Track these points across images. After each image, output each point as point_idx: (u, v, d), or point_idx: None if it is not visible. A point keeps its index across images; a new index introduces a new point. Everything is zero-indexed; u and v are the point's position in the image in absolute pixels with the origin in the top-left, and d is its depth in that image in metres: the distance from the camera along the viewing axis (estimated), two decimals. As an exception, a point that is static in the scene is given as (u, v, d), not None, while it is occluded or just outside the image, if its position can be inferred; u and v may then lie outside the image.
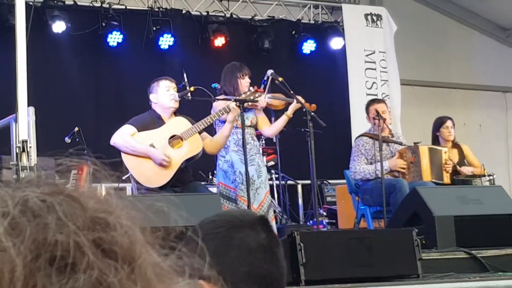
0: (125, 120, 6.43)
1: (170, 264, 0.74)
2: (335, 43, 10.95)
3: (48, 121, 8.08)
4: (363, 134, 7.61)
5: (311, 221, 9.12)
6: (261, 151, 7.02)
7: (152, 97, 6.42)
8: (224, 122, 6.50)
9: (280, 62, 10.08)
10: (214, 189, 7.07)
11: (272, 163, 9.06)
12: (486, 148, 11.20)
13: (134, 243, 0.70)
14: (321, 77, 10.93)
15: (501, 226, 5.99)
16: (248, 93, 6.50)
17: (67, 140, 8.05)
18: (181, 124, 6.35)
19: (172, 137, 6.29)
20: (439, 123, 8.10)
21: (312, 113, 6.69)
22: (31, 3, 8.16)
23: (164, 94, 6.36)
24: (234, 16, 10.68)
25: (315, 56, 10.97)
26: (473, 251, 5.55)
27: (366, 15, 10.77)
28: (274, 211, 8.69)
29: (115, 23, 9.77)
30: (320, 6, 11.31)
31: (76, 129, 8.00)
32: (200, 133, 6.33)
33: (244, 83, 6.67)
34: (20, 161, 5.39)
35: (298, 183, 9.96)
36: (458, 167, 7.76)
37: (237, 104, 6.34)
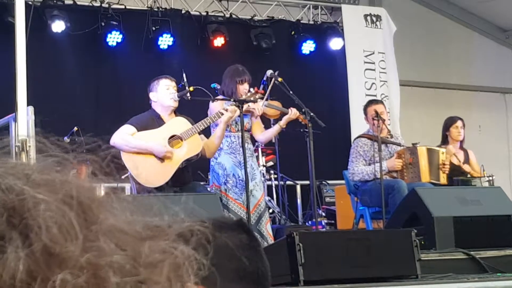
0: (124, 120, 6.43)
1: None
2: (335, 44, 10.95)
3: (48, 121, 8.07)
4: (362, 135, 7.61)
5: (310, 222, 9.11)
6: (255, 155, 6.99)
7: (151, 95, 6.43)
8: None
9: (279, 63, 10.06)
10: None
11: (271, 163, 9.07)
12: (486, 149, 11.20)
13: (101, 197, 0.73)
14: (321, 78, 10.93)
15: (500, 227, 6.00)
16: (248, 94, 6.50)
17: (66, 139, 8.04)
18: (181, 124, 6.35)
19: (172, 137, 6.29)
20: (449, 122, 8.14)
21: (311, 114, 6.69)
22: (30, 3, 8.16)
23: (163, 93, 6.37)
24: (233, 16, 10.68)
25: (314, 57, 10.97)
26: (472, 252, 5.56)
27: (365, 16, 10.77)
28: (273, 211, 8.70)
29: (114, 23, 9.77)
30: (319, 7, 11.31)
31: (75, 128, 7.99)
32: (200, 133, 6.33)
33: (242, 88, 6.66)
34: (20, 160, 5.38)
35: (297, 184, 9.96)
36: (461, 164, 7.80)
37: (237, 105, 6.33)
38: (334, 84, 10.87)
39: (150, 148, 6.20)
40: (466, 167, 7.92)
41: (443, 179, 7.40)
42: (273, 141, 8.85)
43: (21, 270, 0.65)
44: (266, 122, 7.30)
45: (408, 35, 11.60)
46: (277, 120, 7.02)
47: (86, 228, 0.69)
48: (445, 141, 8.10)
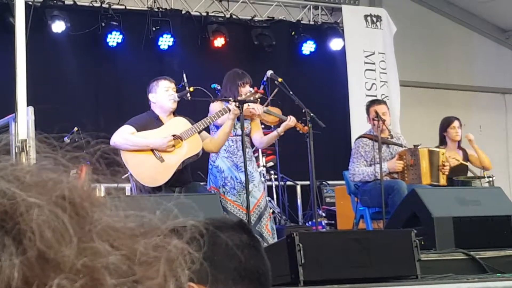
0: (124, 120, 6.44)
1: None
2: (335, 44, 10.96)
3: (47, 121, 8.08)
4: (363, 136, 7.60)
5: (310, 222, 9.12)
6: (253, 158, 6.98)
7: (151, 96, 6.43)
8: (218, 127, 6.53)
9: (279, 63, 10.08)
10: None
11: (271, 163, 9.07)
12: (486, 150, 11.17)
13: (91, 191, 0.73)
14: (321, 78, 10.93)
15: (499, 227, 6.00)
16: (248, 94, 6.50)
17: (66, 140, 8.05)
18: (180, 124, 6.35)
19: (172, 136, 6.29)
20: (446, 123, 8.12)
21: (312, 114, 6.69)
22: (30, 3, 8.18)
23: (163, 94, 6.37)
24: (233, 16, 10.68)
25: (314, 57, 10.98)
26: (471, 252, 5.56)
27: (365, 16, 10.78)
28: (273, 212, 8.70)
29: (114, 23, 9.77)
30: (319, 7, 11.31)
31: (75, 129, 7.99)
32: (199, 133, 6.33)
33: (245, 91, 6.66)
34: (19, 160, 5.39)
35: (297, 184, 9.96)
36: (462, 161, 7.81)
37: (237, 105, 6.33)
38: (334, 84, 10.87)
39: (151, 144, 6.21)
40: (469, 162, 7.96)
41: (442, 180, 7.39)
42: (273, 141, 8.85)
43: (17, 278, 0.64)
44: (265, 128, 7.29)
45: (408, 35, 11.61)
46: (276, 127, 7.02)
47: (80, 229, 0.68)
48: (443, 142, 8.08)
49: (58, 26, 9.46)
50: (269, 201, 8.68)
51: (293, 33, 11.02)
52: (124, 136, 6.22)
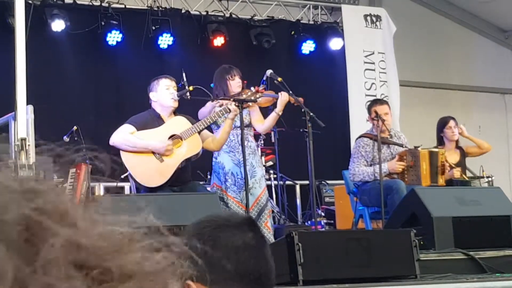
0: (124, 119, 6.43)
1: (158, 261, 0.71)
2: (334, 44, 10.95)
3: (47, 120, 8.08)
4: (364, 135, 7.57)
5: (309, 222, 9.11)
6: (257, 152, 6.97)
7: (151, 95, 6.43)
8: (218, 127, 6.53)
9: (279, 62, 10.08)
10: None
11: (270, 163, 9.07)
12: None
13: (72, 201, 0.68)
14: (320, 78, 10.93)
15: (499, 227, 6.00)
16: (249, 93, 6.49)
17: (66, 139, 8.04)
18: (180, 124, 6.35)
19: (172, 136, 6.29)
20: (442, 123, 8.11)
21: (311, 114, 6.69)
22: (30, 2, 8.18)
23: (163, 93, 6.37)
24: (233, 16, 10.68)
25: (314, 57, 10.97)
26: (471, 252, 5.56)
27: (365, 16, 10.78)
28: (273, 211, 8.70)
29: (114, 22, 9.77)
30: (319, 7, 11.31)
31: (75, 128, 7.99)
32: (199, 132, 6.33)
33: (234, 84, 6.66)
34: (19, 159, 5.39)
35: (297, 184, 9.96)
36: (454, 168, 7.74)
37: (236, 104, 6.33)
38: (333, 84, 10.87)
39: (150, 147, 6.20)
40: (468, 156, 8.00)
41: (441, 180, 7.38)
42: (273, 141, 8.85)
43: None
44: (263, 112, 7.21)
45: (408, 35, 11.61)
46: (272, 107, 6.97)
47: (27, 265, 0.62)
48: (441, 142, 8.07)
49: (58, 25, 9.45)
50: (269, 200, 8.68)
51: (292, 32, 11.02)
52: (124, 136, 6.22)
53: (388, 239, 5.22)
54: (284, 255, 4.74)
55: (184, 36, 10.30)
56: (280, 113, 6.74)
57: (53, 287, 0.62)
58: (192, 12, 10.41)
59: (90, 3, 9.85)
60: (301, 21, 11.11)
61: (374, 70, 10.65)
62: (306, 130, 6.76)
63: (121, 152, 6.19)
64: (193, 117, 6.49)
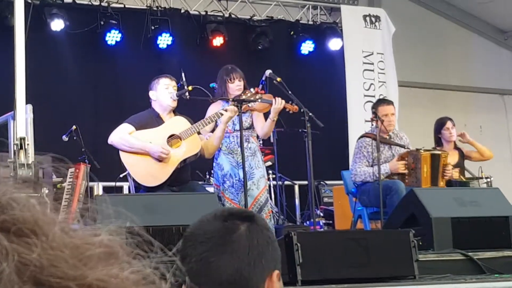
0: (123, 119, 6.43)
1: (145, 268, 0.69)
2: (334, 44, 10.96)
3: (46, 119, 8.08)
4: (366, 135, 7.54)
5: (308, 222, 9.12)
6: (257, 153, 6.93)
7: (151, 94, 6.43)
8: None
9: (278, 63, 10.08)
10: (211, 189, 7.08)
11: (269, 163, 9.06)
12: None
13: (36, 213, 0.65)
14: (319, 78, 10.93)
15: (498, 228, 5.99)
16: (249, 94, 6.47)
17: (65, 138, 8.04)
18: (180, 124, 6.35)
19: (171, 136, 6.29)
20: (439, 125, 8.10)
21: (310, 114, 6.68)
22: (29, 1, 8.17)
23: (162, 92, 6.37)
24: (232, 16, 10.68)
25: (313, 57, 10.98)
26: (469, 253, 5.56)
27: (364, 16, 10.78)
28: (272, 211, 8.70)
29: (113, 21, 9.77)
30: (318, 7, 11.31)
31: (74, 127, 7.99)
32: (198, 133, 6.33)
33: (233, 87, 6.61)
34: (18, 158, 5.39)
35: (295, 184, 9.97)
36: (453, 170, 7.73)
37: (235, 104, 6.33)
38: (332, 84, 10.87)
39: (146, 148, 6.19)
40: (468, 159, 7.99)
41: (441, 183, 7.37)
42: (272, 141, 8.85)
43: None
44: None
45: (407, 36, 11.61)
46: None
47: None
48: (438, 143, 8.06)
49: (57, 25, 9.46)
50: (268, 200, 8.69)
51: (292, 32, 11.03)
52: (122, 136, 6.21)
53: (387, 240, 5.22)
54: (282, 255, 4.73)
55: (183, 36, 10.30)
56: (274, 120, 6.68)
57: None
58: (191, 12, 10.41)
59: (89, 3, 9.85)
60: (300, 21, 11.11)
61: (373, 70, 10.65)
62: (305, 130, 6.75)
63: (120, 152, 6.19)
64: (192, 117, 6.48)
